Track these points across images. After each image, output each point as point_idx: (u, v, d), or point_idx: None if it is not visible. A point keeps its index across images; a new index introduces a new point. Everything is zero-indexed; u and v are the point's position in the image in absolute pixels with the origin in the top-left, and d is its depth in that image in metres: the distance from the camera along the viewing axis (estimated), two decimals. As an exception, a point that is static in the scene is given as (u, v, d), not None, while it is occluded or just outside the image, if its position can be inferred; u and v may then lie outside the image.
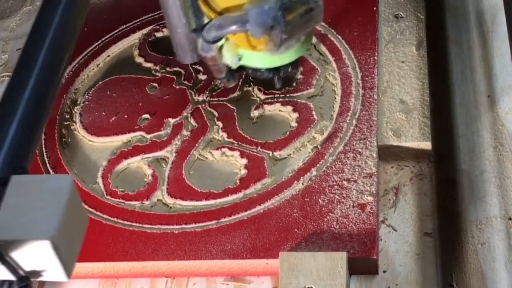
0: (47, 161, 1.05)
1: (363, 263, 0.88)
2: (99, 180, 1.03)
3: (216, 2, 0.91)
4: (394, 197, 0.95)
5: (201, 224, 0.94)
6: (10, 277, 0.61)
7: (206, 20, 0.93)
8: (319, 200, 0.93)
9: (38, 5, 1.35)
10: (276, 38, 0.87)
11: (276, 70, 0.98)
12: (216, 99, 1.09)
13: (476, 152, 0.98)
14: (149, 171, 1.02)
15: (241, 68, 0.98)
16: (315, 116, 1.03)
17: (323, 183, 0.95)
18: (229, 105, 1.07)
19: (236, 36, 0.91)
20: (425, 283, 0.86)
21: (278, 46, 0.89)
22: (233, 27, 0.88)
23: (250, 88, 1.08)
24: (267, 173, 0.98)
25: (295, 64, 0.98)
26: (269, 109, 1.06)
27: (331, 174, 0.96)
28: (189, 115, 1.07)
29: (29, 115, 0.68)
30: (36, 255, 0.61)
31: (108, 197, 1.00)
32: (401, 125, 0.99)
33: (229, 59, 0.95)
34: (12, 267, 0.61)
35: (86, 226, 0.67)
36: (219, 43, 0.92)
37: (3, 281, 0.62)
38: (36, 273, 0.63)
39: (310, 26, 0.91)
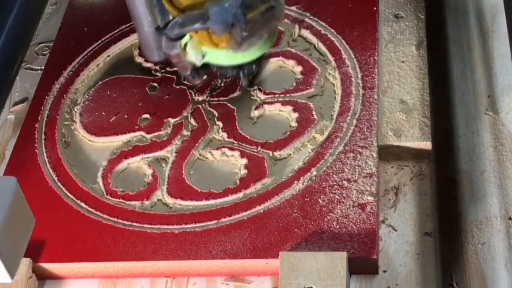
0: (47, 161, 1.05)
1: (363, 263, 0.88)
2: (99, 180, 1.03)
3: (178, 0, 0.93)
4: (394, 197, 0.95)
5: (201, 224, 0.94)
6: None
7: (171, 18, 0.95)
8: (319, 200, 0.93)
9: (38, 5, 1.35)
10: (237, 35, 0.89)
11: (240, 67, 1.00)
12: (216, 99, 1.09)
13: (476, 152, 0.98)
14: (149, 171, 1.02)
15: (206, 65, 1.00)
16: (315, 116, 1.03)
17: (323, 183, 0.95)
18: (229, 105, 1.07)
19: (199, 33, 0.93)
20: (425, 283, 0.86)
21: (239, 43, 0.90)
22: (195, 25, 0.90)
23: (250, 88, 1.08)
24: (267, 173, 0.98)
25: (258, 61, 1.00)
26: (269, 109, 1.06)
27: (331, 174, 0.96)
28: (189, 115, 1.07)
29: None
30: None
31: (108, 197, 1.00)
32: (401, 125, 0.99)
33: (193, 56, 0.97)
34: None
35: (31, 227, 0.68)
36: (183, 41, 0.94)
37: None
38: None
39: (271, 24, 0.93)
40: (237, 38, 0.90)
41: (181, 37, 0.93)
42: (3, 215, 0.61)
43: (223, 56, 0.97)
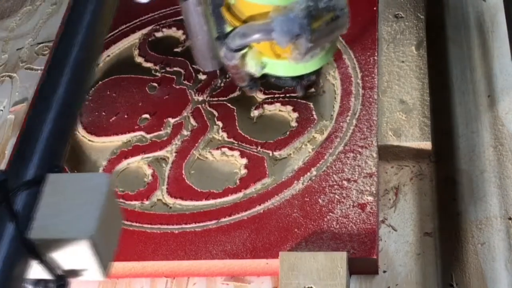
0: (47, 161, 1.05)
1: (363, 263, 0.88)
2: (99, 180, 1.02)
3: (240, 10, 0.89)
4: (394, 197, 0.95)
5: (201, 224, 0.94)
6: (47, 276, 0.61)
7: (228, 28, 0.92)
8: (319, 200, 0.93)
9: (38, 5, 1.35)
10: (302, 46, 0.85)
11: (299, 78, 0.96)
12: (216, 99, 1.09)
13: (476, 152, 0.98)
14: (149, 171, 1.02)
15: (264, 75, 0.96)
16: (315, 116, 1.03)
17: (323, 183, 0.95)
18: (229, 105, 1.07)
19: (260, 44, 0.89)
20: (425, 283, 0.86)
21: (304, 54, 0.87)
22: (258, 36, 0.86)
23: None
24: (267, 173, 0.98)
25: (318, 72, 0.96)
26: (269, 109, 1.06)
27: (331, 174, 0.96)
28: (189, 115, 1.07)
29: (62, 114, 0.68)
30: (74, 254, 0.60)
31: (108, 197, 1.00)
32: (401, 125, 0.99)
33: (253, 67, 0.93)
34: (50, 266, 0.60)
35: (121, 224, 0.67)
36: (242, 51, 0.91)
37: (39, 280, 0.62)
38: (74, 272, 0.62)
39: (335, 34, 0.89)
40: (301, 49, 0.86)
41: (242, 48, 0.89)
42: (100, 212, 0.60)
43: (284, 67, 0.93)
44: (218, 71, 1.11)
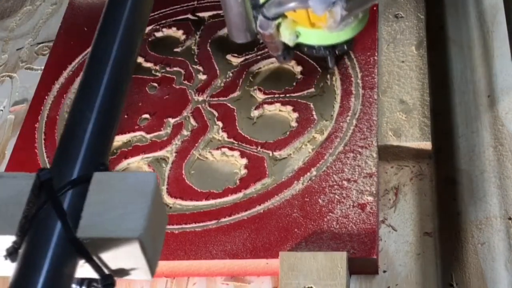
0: (47, 161, 1.05)
1: (363, 263, 0.88)
2: (99, 180, 1.02)
3: None
4: (394, 197, 0.95)
5: (201, 224, 0.94)
6: (94, 275, 0.60)
7: None
8: (319, 200, 0.93)
9: (38, 5, 1.35)
10: (337, 14, 0.88)
11: (332, 47, 0.99)
12: (216, 99, 1.09)
13: (476, 152, 0.98)
14: (149, 171, 1.02)
15: (297, 45, 0.99)
16: (315, 116, 1.03)
17: (323, 183, 0.95)
18: (229, 105, 1.07)
19: (295, 13, 0.92)
20: (425, 283, 0.86)
21: (338, 23, 0.89)
22: (294, 4, 0.89)
23: (250, 88, 1.08)
24: (267, 173, 0.98)
25: (350, 42, 0.99)
26: (269, 109, 1.06)
27: (331, 174, 0.96)
28: (189, 115, 1.07)
29: (105, 111, 0.67)
30: (122, 254, 0.59)
31: (108, 197, 1.00)
32: (401, 125, 0.99)
33: (287, 36, 0.95)
34: (97, 265, 0.60)
35: (166, 224, 0.66)
36: (277, 20, 0.93)
37: (84, 279, 0.62)
38: (121, 272, 0.61)
39: (369, 3, 0.92)
40: (337, 17, 0.88)
41: (278, 16, 0.92)
42: (147, 211, 0.60)
43: (318, 36, 0.96)
44: (218, 71, 1.11)
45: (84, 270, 0.60)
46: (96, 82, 0.70)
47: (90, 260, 0.59)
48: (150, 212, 0.60)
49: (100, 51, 0.73)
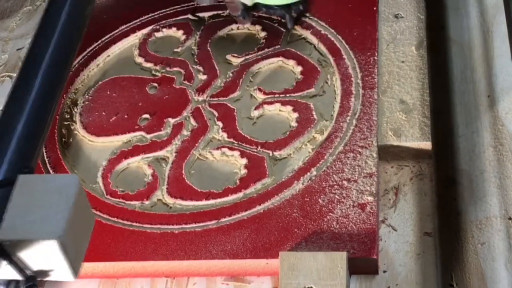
0: (47, 161, 1.05)
1: (363, 263, 0.88)
2: (99, 180, 1.03)
3: None
4: (394, 197, 0.95)
5: (201, 224, 0.94)
6: (17, 276, 0.61)
7: None
8: (319, 200, 0.93)
9: (38, 5, 1.35)
10: None
11: (287, 7, 1.07)
12: (216, 99, 1.09)
13: (476, 152, 0.98)
14: (149, 171, 1.02)
15: (255, 6, 1.06)
16: (315, 116, 1.03)
17: (323, 183, 0.95)
18: (229, 105, 1.07)
19: None
20: (425, 283, 0.86)
21: None
22: None
23: (250, 88, 1.09)
24: (267, 173, 0.98)
25: (305, 2, 1.07)
26: (269, 109, 1.06)
27: (331, 174, 0.96)
28: (189, 115, 1.07)
29: (34, 115, 0.68)
30: (44, 255, 0.60)
31: (108, 197, 1.00)
32: (401, 125, 0.99)
33: None
34: (19, 267, 0.60)
35: (92, 225, 0.67)
36: None
37: (10, 281, 0.62)
38: (44, 273, 0.62)
39: None
40: None
41: None
42: (68, 213, 0.60)
43: None
44: (218, 71, 1.11)
45: (9, 271, 0.60)
46: (27, 85, 0.70)
47: (11, 262, 0.60)
48: (71, 214, 0.60)
49: (34, 55, 0.73)
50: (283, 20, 1.12)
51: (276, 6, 1.07)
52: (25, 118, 0.67)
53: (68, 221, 0.60)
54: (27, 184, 0.62)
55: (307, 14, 1.13)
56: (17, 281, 0.62)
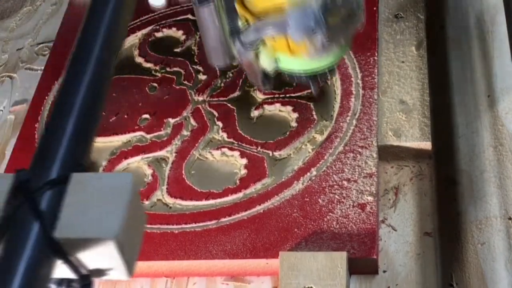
0: (47, 161, 1.05)
1: (363, 263, 0.88)
2: (99, 180, 1.02)
3: (253, 3, 0.87)
4: (394, 197, 0.95)
5: (201, 224, 0.94)
6: (71, 275, 0.61)
7: (240, 23, 0.90)
8: (319, 200, 0.93)
9: (38, 5, 1.35)
10: (317, 42, 0.84)
11: (313, 74, 0.94)
12: (216, 99, 1.09)
13: (476, 152, 0.98)
14: (149, 171, 1.02)
15: (277, 71, 0.94)
16: (315, 116, 1.03)
17: (323, 183, 0.95)
18: (229, 105, 1.07)
19: (275, 39, 0.88)
20: (425, 283, 0.86)
21: (319, 50, 0.86)
22: (273, 31, 0.85)
23: (250, 88, 1.09)
24: (267, 173, 0.98)
25: (332, 68, 0.94)
26: (269, 109, 1.06)
27: (331, 174, 0.96)
28: (189, 115, 1.07)
29: (85, 112, 0.68)
30: (99, 254, 0.60)
31: (108, 197, 1.00)
32: (401, 125, 0.99)
33: (266, 63, 0.91)
34: (74, 265, 0.60)
35: (145, 224, 0.67)
36: (257, 47, 0.89)
37: (63, 279, 0.62)
38: (98, 272, 0.62)
39: (351, 31, 0.87)
40: (317, 45, 0.85)
41: (256, 43, 0.88)
42: (124, 211, 0.60)
43: (298, 63, 0.91)
44: (218, 71, 1.11)
45: (64, 270, 0.60)
46: (76, 82, 0.70)
47: (67, 261, 0.59)
48: (127, 212, 0.60)
49: (81, 53, 0.73)
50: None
51: (301, 72, 0.92)
52: (76, 115, 0.67)
53: (124, 219, 0.59)
54: (82, 182, 0.62)
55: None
56: (69, 280, 0.62)
